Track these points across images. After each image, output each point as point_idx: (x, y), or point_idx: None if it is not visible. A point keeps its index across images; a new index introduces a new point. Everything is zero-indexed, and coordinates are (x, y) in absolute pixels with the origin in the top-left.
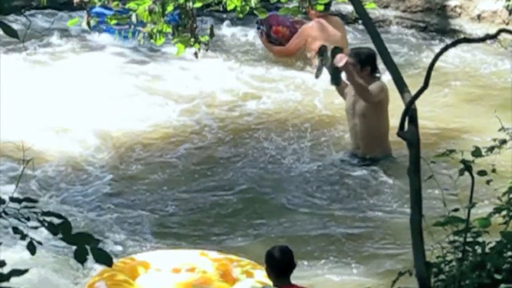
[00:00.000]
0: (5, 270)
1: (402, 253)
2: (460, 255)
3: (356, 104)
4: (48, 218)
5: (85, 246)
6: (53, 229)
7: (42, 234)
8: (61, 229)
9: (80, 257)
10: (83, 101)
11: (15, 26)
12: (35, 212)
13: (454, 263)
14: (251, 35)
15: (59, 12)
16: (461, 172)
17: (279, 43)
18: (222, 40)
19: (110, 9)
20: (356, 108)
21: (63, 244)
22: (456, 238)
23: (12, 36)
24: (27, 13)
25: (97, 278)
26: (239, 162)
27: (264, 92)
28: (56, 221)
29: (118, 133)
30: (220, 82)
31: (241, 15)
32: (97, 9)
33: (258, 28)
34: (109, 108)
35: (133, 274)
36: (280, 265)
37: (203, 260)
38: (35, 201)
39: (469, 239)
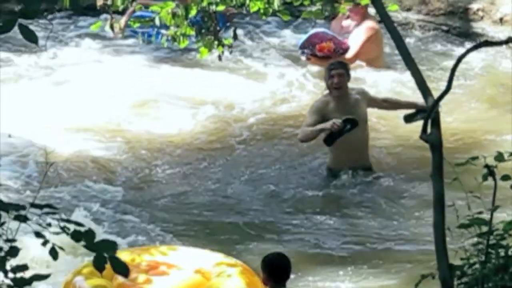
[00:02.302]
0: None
1: (425, 255)
2: (483, 257)
3: (354, 115)
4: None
5: (103, 254)
6: (77, 236)
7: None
8: (85, 236)
9: (99, 264)
10: (106, 105)
11: (37, 29)
12: (56, 219)
13: (477, 265)
14: (281, 38)
15: (82, 16)
16: (484, 177)
17: (327, 57)
18: (252, 43)
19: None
20: (358, 116)
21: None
22: (479, 240)
23: (31, 41)
24: (49, 16)
25: (76, 272)
26: (260, 169)
27: (292, 97)
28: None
29: (141, 136)
30: (246, 87)
31: (264, 17)
32: (139, 12)
33: (303, 53)
34: (133, 111)
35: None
36: (278, 271)
37: (184, 258)
38: (55, 207)
39: (492, 242)
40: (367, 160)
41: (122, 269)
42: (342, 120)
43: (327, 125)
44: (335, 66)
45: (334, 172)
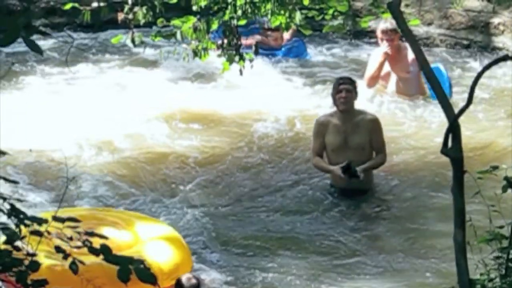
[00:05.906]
0: None
1: (445, 269)
2: (503, 271)
3: (349, 139)
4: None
5: (128, 266)
6: (94, 251)
7: None
8: (102, 251)
9: (124, 276)
10: (128, 119)
11: (58, 43)
12: (78, 232)
13: (497, 279)
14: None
15: (103, 29)
16: (504, 189)
17: None
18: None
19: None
20: (354, 141)
21: None
22: (500, 254)
23: (36, 51)
24: (70, 30)
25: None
26: (275, 184)
27: (309, 113)
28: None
29: (163, 152)
30: (268, 102)
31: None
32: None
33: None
34: (155, 126)
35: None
36: None
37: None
38: (78, 221)
39: None
40: (365, 184)
41: (149, 278)
42: (342, 171)
43: (334, 172)
44: (344, 80)
45: (335, 189)
